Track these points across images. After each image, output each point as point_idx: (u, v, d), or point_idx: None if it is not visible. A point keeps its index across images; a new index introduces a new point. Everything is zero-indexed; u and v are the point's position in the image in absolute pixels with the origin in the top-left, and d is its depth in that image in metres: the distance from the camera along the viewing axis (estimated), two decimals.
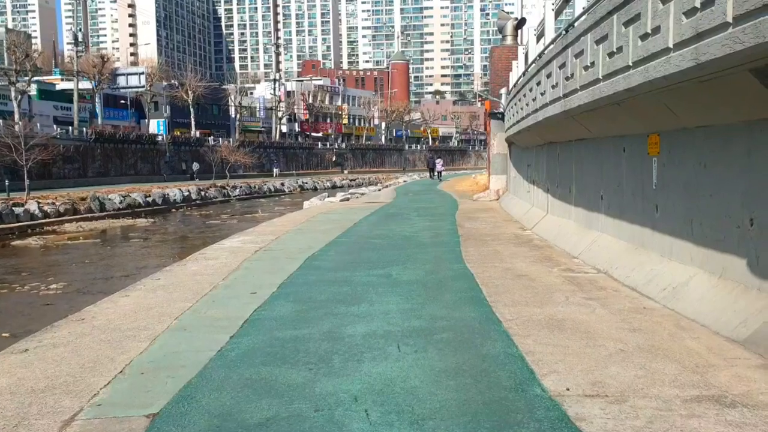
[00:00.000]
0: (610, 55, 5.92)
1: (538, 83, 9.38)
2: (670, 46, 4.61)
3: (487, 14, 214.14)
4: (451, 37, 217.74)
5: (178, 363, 4.42)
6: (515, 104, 13.14)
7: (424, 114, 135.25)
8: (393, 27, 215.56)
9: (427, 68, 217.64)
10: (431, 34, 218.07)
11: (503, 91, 18.99)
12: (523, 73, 11.74)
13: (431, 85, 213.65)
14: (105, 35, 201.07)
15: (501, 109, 19.08)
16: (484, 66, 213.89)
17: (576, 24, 7.41)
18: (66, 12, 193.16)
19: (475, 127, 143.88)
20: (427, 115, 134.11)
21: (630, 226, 7.06)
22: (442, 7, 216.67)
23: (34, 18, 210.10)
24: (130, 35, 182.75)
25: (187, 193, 40.59)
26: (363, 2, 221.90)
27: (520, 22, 19.34)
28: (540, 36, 10.76)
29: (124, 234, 26.28)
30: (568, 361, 4.12)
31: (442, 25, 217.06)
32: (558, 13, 9.34)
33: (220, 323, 5.51)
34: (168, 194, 38.63)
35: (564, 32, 7.81)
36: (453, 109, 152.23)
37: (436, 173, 47.71)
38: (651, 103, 5.72)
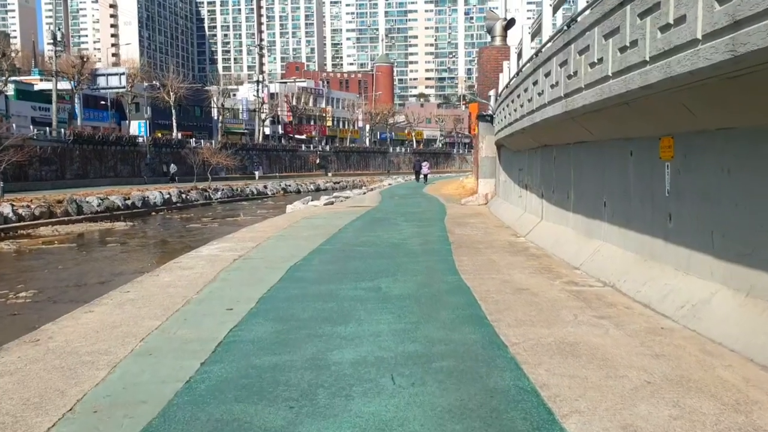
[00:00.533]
0: (622, 49, 5.41)
1: (535, 83, 8.87)
2: (699, 37, 4.09)
3: (471, 18, 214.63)
4: (436, 40, 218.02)
5: (138, 398, 3.81)
6: (507, 106, 12.65)
7: (408, 117, 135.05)
8: (377, 30, 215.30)
9: (411, 71, 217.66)
10: (415, 37, 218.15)
11: (492, 92, 18.51)
12: (517, 73, 11.24)
13: (415, 88, 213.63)
14: (86, 36, 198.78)
15: (490, 111, 18.60)
16: (469, 69, 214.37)
17: (579, 18, 6.90)
18: (47, 12, 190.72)
19: (460, 130, 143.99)
20: (412, 118, 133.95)
21: (638, 236, 6.55)
22: (426, 11, 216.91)
23: (14, 18, 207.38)
24: (112, 35, 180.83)
25: (168, 196, 39.77)
26: (347, 5, 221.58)
27: (510, 23, 18.90)
28: (535, 33, 10.28)
29: (102, 238, 25.47)
30: (589, 396, 3.58)
31: (427, 28, 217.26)
32: (556, 8, 8.85)
33: (190, 346, 4.91)
34: (148, 197, 37.80)
35: (566, 27, 7.29)
36: (437, 112, 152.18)
37: (422, 176, 47.72)
38: (667, 102, 5.21)
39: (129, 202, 35.44)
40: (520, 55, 12.44)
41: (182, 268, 8.79)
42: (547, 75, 8.09)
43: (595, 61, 6.08)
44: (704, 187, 5.28)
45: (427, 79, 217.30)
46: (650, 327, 5.03)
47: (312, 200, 23.87)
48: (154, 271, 8.79)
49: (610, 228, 7.36)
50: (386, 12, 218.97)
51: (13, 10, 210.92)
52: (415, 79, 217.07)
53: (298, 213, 18.60)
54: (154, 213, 36.45)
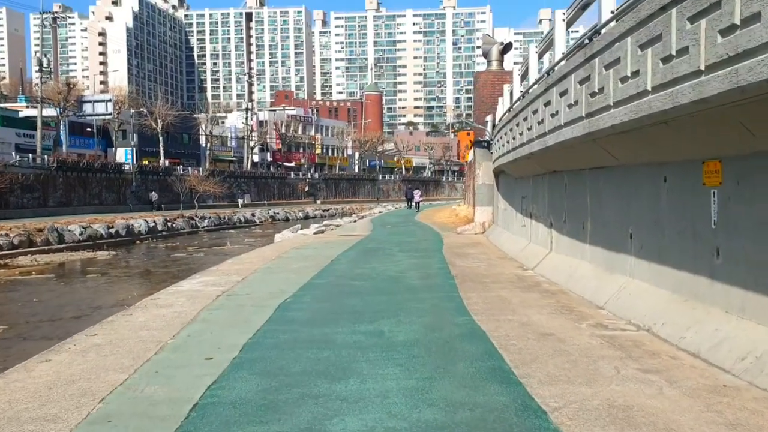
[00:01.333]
0: (666, 60, 4.68)
1: (547, 103, 8.16)
2: None
3: (460, 48, 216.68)
4: (424, 69, 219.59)
5: None
6: (510, 130, 11.96)
7: (397, 144, 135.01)
8: (366, 59, 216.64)
9: (400, 100, 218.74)
10: (404, 66, 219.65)
11: (489, 118, 17.88)
12: (522, 95, 10.56)
13: (404, 116, 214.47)
14: (75, 64, 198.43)
15: (487, 137, 17.95)
16: (457, 98, 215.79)
17: (604, 30, 6.20)
18: (35, 40, 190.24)
19: (449, 158, 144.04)
20: (401, 146, 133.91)
21: (675, 273, 5.77)
22: (415, 41, 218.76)
23: (2, 46, 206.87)
24: (101, 63, 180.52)
25: (153, 224, 38.78)
26: (337, 34, 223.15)
27: (506, 47, 18.35)
28: (545, 50, 9.62)
29: (83, 268, 24.43)
30: None
31: (415, 57, 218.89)
32: (570, 24, 8.18)
33: (158, 410, 4.04)
34: (132, 225, 36.79)
35: (587, 41, 6.60)
36: (426, 140, 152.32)
37: (414, 204, 47.65)
38: (719, 120, 4.48)
39: (113, 231, 34.42)
40: (524, 77, 11.80)
41: (159, 306, 7.91)
42: (562, 94, 7.38)
43: (629, 74, 5.36)
44: (764, 218, 4.53)
45: (416, 107, 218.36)
46: (710, 384, 4.22)
47: (301, 229, 23.01)
48: (128, 309, 7.90)
49: (637, 262, 6.59)
50: (375, 42, 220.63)
51: (2, 38, 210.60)
52: (403, 107, 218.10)
53: (287, 243, 17.74)
54: (138, 242, 35.44)
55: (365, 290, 8.46)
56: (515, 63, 11.92)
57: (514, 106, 11.47)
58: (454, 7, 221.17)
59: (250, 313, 7.22)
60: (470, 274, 9.75)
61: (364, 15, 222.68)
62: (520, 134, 10.18)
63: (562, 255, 9.37)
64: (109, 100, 61.75)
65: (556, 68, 8.09)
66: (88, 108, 62.45)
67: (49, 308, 16.47)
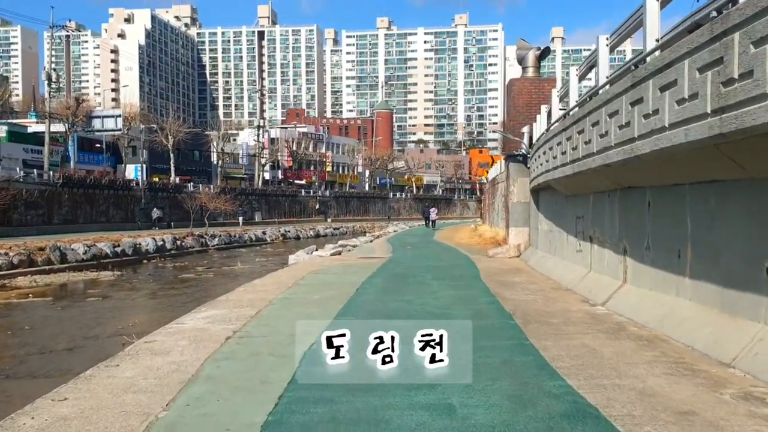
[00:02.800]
0: None
1: (636, 102, 6.56)
2: None
3: (471, 66, 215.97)
4: (435, 87, 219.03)
5: None
6: (560, 143, 10.37)
7: (408, 162, 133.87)
8: (377, 77, 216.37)
9: (410, 117, 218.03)
10: (415, 84, 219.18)
11: (525, 129, 16.32)
12: (590, 96, 8.96)
13: (414, 134, 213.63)
14: (88, 81, 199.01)
15: (522, 151, 16.37)
16: (468, 116, 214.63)
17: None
18: (49, 58, 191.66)
19: (460, 176, 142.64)
20: (412, 164, 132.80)
21: None
22: (426, 59, 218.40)
23: (16, 63, 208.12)
24: (113, 80, 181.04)
25: (161, 243, 37.41)
26: (348, 53, 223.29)
27: (544, 52, 16.81)
28: (619, 40, 8.06)
29: (84, 290, 22.97)
30: None
31: (426, 75, 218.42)
32: (664, 3, 6.62)
33: None
34: (140, 244, 35.43)
35: (714, 14, 5.03)
36: (437, 158, 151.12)
37: (430, 222, 46.77)
38: None
39: (119, 250, 33.03)
40: (582, 77, 10.23)
41: (154, 353, 6.32)
42: (666, 88, 5.79)
43: None
44: None
45: (426, 125, 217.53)
46: None
47: (317, 250, 21.41)
48: (113, 358, 6.30)
49: None
50: (386, 60, 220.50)
51: (16, 56, 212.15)
52: (414, 125, 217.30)
53: (303, 266, 16.15)
54: (145, 261, 34.07)
55: None
56: (572, 64, 10.44)
57: (572, 113, 9.87)
58: (465, 25, 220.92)
59: (268, 366, 5.61)
60: (530, 312, 8.10)
61: (376, 33, 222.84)
62: (586, 142, 8.56)
63: (643, 289, 7.72)
64: (119, 116, 60.78)
65: (649, 59, 6.51)
66: (97, 123, 61.52)
67: (40, 338, 14.96)
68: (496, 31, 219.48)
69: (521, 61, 17.02)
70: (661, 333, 6.51)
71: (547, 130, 12.20)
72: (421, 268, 14.45)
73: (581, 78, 10.18)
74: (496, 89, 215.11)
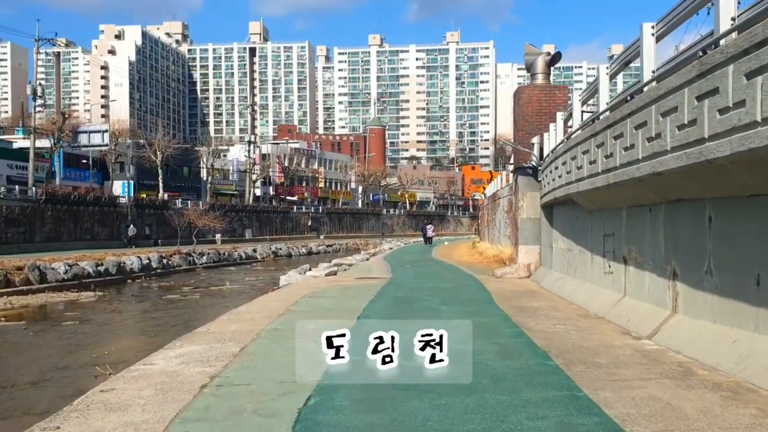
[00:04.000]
0: None
1: (706, 94, 5.34)
2: None
3: (463, 83, 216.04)
4: (427, 104, 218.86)
5: None
6: (589, 150, 9.14)
7: (401, 178, 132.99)
8: (369, 94, 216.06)
9: (403, 134, 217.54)
10: (407, 101, 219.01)
11: (536, 140, 15.12)
12: (632, 95, 7.73)
13: (407, 150, 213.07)
14: (78, 98, 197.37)
15: (532, 163, 15.16)
16: (460, 133, 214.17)
17: None
18: (39, 75, 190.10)
19: (453, 192, 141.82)
20: (405, 180, 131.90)
21: None
22: (418, 76, 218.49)
23: (5, 80, 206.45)
24: (102, 97, 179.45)
25: (147, 261, 35.90)
26: (340, 69, 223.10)
27: (554, 58, 15.66)
28: (668, 31, 6.86)
29: (61, 313, 21.50)
30: None
31: (418, 92, 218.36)
32: None
33: None
34: (124, 262, 33.95)
35: None
36: (430, 174, 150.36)
37: (427, 239, 46.72)
38: None
39: (102, 269, 31.51)
40: (614, 76, 9.02)
41: (108, 409, 4.98)
42: (752, 74, 4.57)
43: None
44: None
45: (419, 141, 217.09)
46: None
47: (310, 270, 20.03)
48: (56, 415, 4.95)
49: None
50: (378, 77, 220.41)
51: (5, 72, 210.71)
52: (406, 141, 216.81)
53: (295, 288, 14.81)
54: (130, 280, 32.61)
55: None
56: (607, 63, 9.25)
57: (603, 116, 8.65)
58: (457, 42, 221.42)
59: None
60: (567, 348, 6.80)
61: (368, 50, 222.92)
62: (627, 148, 7.32)
63: (703, 321, 6.45)
64: (106, 131, 59.27)
65: (722, 43, 5.29)
66: (83, 139, 59.99)
67: (6, 369, 13.54)
68: (487, 48, 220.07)
69: (530, 67, 15.85)
70: (743, 379, 5.23)
71: (567, 137, 10.98)
72: (426, 291, 13.14)
73: (612, 77, 8.97)
74: (487, 106, 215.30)
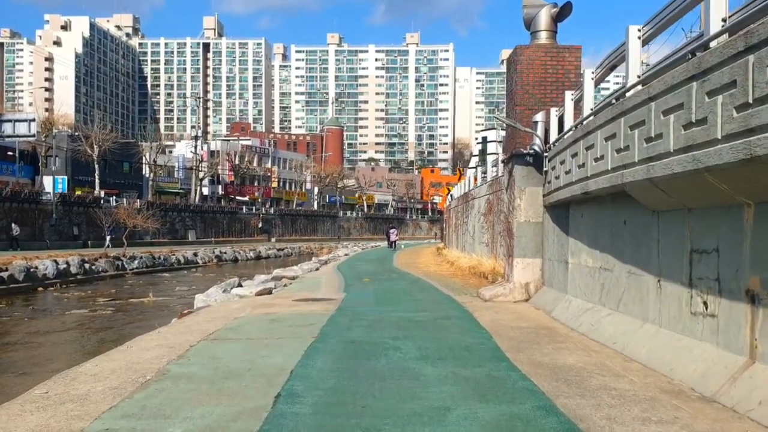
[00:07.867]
0: None
1: None
2: None
3: (422, 85, 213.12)
4: (386, 105, 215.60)
5: None
6: (671, 115, 5.26)
7: (359, 180, 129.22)
8: (327, 93, 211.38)
9: (361, 135, 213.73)
10: (366, 102, 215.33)
11: (540, 117, 11.20)
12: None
13: (365, 152, 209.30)
14: (23, 91, 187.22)
15: (536, 147, 11.25)
16: (419, 136, 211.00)
17: None
18: None
19: (412, 195, 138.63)
20: (363, 182, 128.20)
21: None
22: (377, 77, 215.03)
23: None
24: (46, 90, 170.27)
25: (65, 266, 30.97)
26: (297, 68, 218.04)
27: (563, 10, 11.80)
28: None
29: None
30: None
31: (377, 93, 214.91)
32: None
33: None
34: (36, 267, 28.99)
35: None
36: (389, 177, 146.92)
37: (390, 243, 47.10)
38: None
39: (5, 275, 26.52)
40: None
41: None
42: None
43: None
44: None
45: (377, 143, 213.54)
46: None
47: (239, 284, 15.64)
48: None
49: None
50: (337, 76, 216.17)
51: None
52: (365, 143, 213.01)
53: (205, 317, 10.53)
54: (42, 289, 27.78)
55: None
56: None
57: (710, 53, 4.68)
58: (417, 44, 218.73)
59: None
60: None
61: (326, 49, 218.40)
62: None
63: None
64: (33, 120, 53.38)
65: None
66: (7, 128, 54.11)
67: None
68: (447, 51, 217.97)
69: (529, 24, 11.95)
70: None
71: (610, 101, 7.04)
72: (393, 327, 9.02)
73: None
74: (446, 109, 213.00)
